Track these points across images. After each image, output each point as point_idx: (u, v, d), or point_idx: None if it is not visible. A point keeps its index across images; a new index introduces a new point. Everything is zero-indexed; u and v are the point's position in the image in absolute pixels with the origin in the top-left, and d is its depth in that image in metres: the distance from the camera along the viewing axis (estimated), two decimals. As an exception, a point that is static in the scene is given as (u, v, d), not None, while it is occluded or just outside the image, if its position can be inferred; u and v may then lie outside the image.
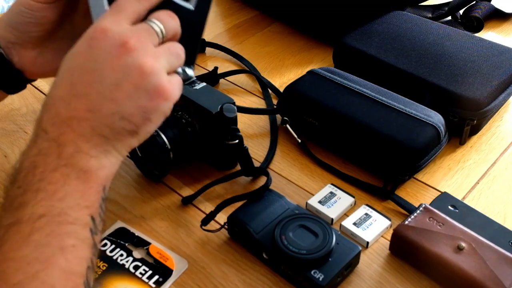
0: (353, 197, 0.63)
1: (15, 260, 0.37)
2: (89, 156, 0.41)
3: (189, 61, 0.48)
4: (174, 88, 0.44)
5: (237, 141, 0.64)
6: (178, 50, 0.45)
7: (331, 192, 0.64)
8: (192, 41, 0.48)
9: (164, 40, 0.44)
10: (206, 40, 0.92)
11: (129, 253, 0.58)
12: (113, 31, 0.42)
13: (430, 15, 0.96)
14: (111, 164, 0.43)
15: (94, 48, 0.41)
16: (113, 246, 0.58)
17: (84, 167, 0.41)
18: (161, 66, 0.43)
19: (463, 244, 0.53)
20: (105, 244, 0.58)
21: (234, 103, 0.64)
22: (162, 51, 0.43)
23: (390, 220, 0.60)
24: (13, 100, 0.81)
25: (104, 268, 0.56)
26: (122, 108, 0.41)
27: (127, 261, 0.57)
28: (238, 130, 0.64)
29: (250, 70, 0.86)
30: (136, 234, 0.60)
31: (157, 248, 0.58)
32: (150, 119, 0.43)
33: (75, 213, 0.40)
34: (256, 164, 0.68)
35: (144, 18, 0.44)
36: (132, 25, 0.43)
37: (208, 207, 0.63)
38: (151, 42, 0.43)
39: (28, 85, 0.85)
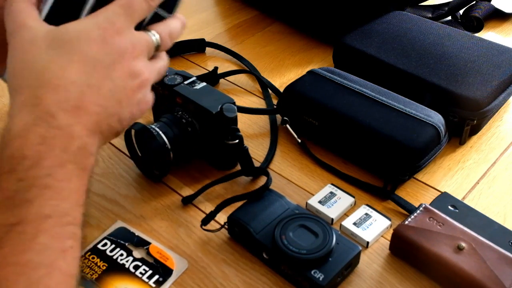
0: (353, 197, 0.63)
1: (19, 265, 0.35)
2: (90, 154, 0.40)
3: (167, 7, 0.48)
4: (151, 103, 0.46)
5: (237, 141, 0.64)
6: (162, 70, 0.47)
7: (331, 192, 0.64)
8: None
9: (156, 51, 0.46)
10: (206, 40, 0.92)
11: (129, 253, 0.58)
12: (126, 34, 0.42)
13: (430, 15, 0.96)
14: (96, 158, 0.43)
15: (109, 44, 0.41)
16: (113, 246, 0.58)
17: (84, 165, 0.40)
18: (151, 81, 0.45)
19: (463, 244, 0.53)
20: (105, 244, 0.58)
21: (234, 103, 0.64)
22: (154, 68, 0.45)
23: (390, 220, 0.60)
24: (13, 100, 0.81)
25: (104, 268, 0.56)
26: (122, 110, 0.42)
27: (127, 261, 0.57)
28: (238, 130, 0.64)
29: (250, 70, 0.86)
30: (136, 234, 0.60)
31: (157, 248, 0.58)
32: (129, 125, 0.45)
33: (74, 213, 0.39)
34: (256, 164, 0.68)
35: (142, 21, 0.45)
36: (135, 30, 0.43)
37: (208, 207, 0.63)
38: (148, 54, 0.44)
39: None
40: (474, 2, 0.99)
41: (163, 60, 0.47)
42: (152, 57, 0.46)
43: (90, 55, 0.40)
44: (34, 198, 0.36)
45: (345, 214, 0.62)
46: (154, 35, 0.45)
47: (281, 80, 0.85)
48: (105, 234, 0.60)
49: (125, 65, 0.41)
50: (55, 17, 0.42)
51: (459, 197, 0.64)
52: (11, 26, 0.42)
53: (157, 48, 0.45)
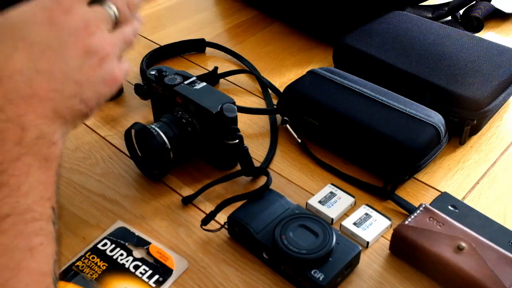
0: (353, 197, 0.63)
1: None
2: (51, 143, 0.38)
3: None
4: (122, 76, 0.43)
5: (237, 141, 0.64)
6: (131, 37, 0.45)
7: (331, 192, 0.64)
8: None
9: (116, 23, 0.44)
10: (206, 40, 0.92)
11: (129, 253, 0.58)
12: (77, 11, 0.40)
13: (430, 15, 0.96)
14: (63, 145, 0.40)
15: (57, 25, 0.39)
16: (113, 245, 0.58)
17: (46, 155, 0.38)
18: (115, 54, 0.42)
19: (463, 244, 0.53)
20: (105, 244, 0.58)
21: (234, 103, 0.64)
22: (117, 39, 0.43)
23: (390, 220, 0.60)
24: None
25: (104, 267, 0.56)
26: (83, 90, 0.40)
27: (127, 261, 0.57)
28: (238, 130, 0.64)
29: (250, 70, 0.86)
30: (136, 234, 0.60)
31: (157, 247, 0.58)
32: (100, 104, 0.42)
33: (40, 207, 0.37)
34: (256, 164, 0.68)
35: None
36: (88, 5, 0.41)
37: (208, 207, 0.63)
38: (106, 28, 0.42)
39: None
40: (474, 2, 0.99)
41: (128, 27, 0.44)
42: (115, 27, 0.44)
43: (36, 39, 0.38)
44: None
45: (345, 214, 0.62)
46: (110, 7, 0.43)
47: (281, 80, 0.85)
48: (105, 234, 0.60)
49: (79, 44, 0.39)
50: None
51: (459, 197, 0.64)
52: None
53: (116, 20, 0.43)
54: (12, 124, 0.36)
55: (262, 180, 0.67)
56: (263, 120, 0.77)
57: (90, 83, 0.40)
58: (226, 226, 0.59)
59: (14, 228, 0.35)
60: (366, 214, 0.61)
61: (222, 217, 0.61)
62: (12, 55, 0.37)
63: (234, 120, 0.64)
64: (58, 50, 0.38)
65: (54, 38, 0.38)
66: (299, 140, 0.72)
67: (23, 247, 0.35)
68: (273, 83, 0.83)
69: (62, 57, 0.38)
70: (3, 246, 0.34)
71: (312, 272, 0.52)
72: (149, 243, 0.59)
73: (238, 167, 0.68)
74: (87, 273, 0.55)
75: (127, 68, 0.44)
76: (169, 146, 0.63)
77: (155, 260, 0.57)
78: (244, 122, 0.76)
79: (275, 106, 0.78)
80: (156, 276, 0.55)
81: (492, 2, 1.00)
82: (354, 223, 0.60)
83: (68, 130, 0.40)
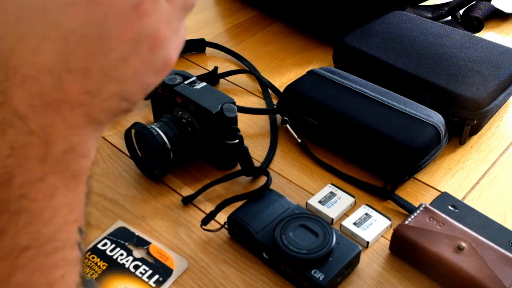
0: (353, 197, 0.63)
1: None
2: (82, 156, 0.32)
3: None
4: (177, 55, 0.34)
5: (237, 141, 0.64)
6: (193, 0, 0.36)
7: (331, 192, 0.64)
8: None
9: None
10: (206, 40, 0.92)
11: (129, 253, 0.58)
12: None
13: (430, 15, 0.96)
14: (96, 152, 0.33)
15: (100, 5, 0.29)
16: (113, 245, 0.58)
17: (75, 171, 0.31)
18: (172, 32, 0.33)
19: (463, 244, 0.53)
20: (105, 244, 0.58)
21: (234, 103, 0.64)
22: (175, 9, 0.33)
23: (390, 220, 0.60)
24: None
25: (104, 267, 0.56)
26: (125, 87, 0.32)
27: (127, 261, 0.57)
28: (238, 130, 0.64)
29: (250, 70, 0.86)
30: (136, 234, 0.60)
31: (157, 247, 0.58)
32: (146, 94, 0.34)
33: (64, 234, 0.31)
34: (256, 164, 0.68)
35: None
36: None
37: (208, 207, 0.63)
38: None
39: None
40: (474, 2, 0.99)
41: None
42: None
43: (71, 26, 0.29)
44: (6, 229, 0.29)
45: (345, 214, 0.62)
46: None
47: (281, 80, 0.85)
48: (105, 234, 0.60)
49: (126, 30, 0.30)
50: None
51: (459, 197, 0.64)
52: None
53: None
54: (36, 137, 0.29)
55: (262, 180, 0.67)
56: (263, 120, 0.77)
57: (136, 77, 0.32)
58: (226, 226, 0.59)
59: (33, 262, 0.30)
60: (366, 214, 0.61)
61: (222, 217, 0.61)
62: (40, 48, 0.29)
63: (234, 120, 0.64)
64: (98, 40, 0.30)
65: (94, 24, 0.30)
66: (299, 140, 0.72)
67: (42, 283, 0.30)
68: (273, 83, 0.83)
69: (103, 50, 0.30)
70: (20, 284, 0.29)
71: (312, 272, 0.52)
72: (149, 243, 0.59)
73: (238, 167, 0.68)
74: (87, 273, 0.55)
75: (184, 38, 0.35)
76: (169, 146, 0.63)
77: (155, 260, 0.57)
78: (244, 122, 0.76)
79: (275, 106, 0.78)
80: (156, 276, 0.55)
81: (492, 2, 1.00)
82: (354, 223, 0.60)
83: (102, 132, 0.33)
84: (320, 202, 0.62)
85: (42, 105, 0.29)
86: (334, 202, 0.62)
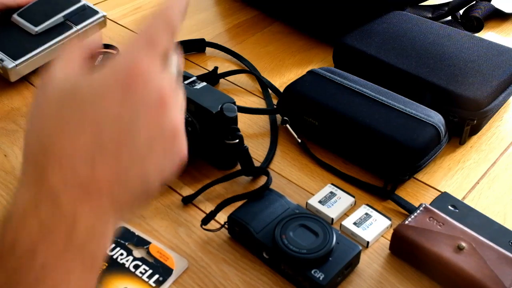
0: (353, 197, 0.63)
1: None
2: (102, 239, 0.33)
3: None
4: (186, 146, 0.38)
5: (237, 140, 0.64)
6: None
7: (331, 192, 0.64)
8: None
9: None
10: (206, 40, 0.92)
11: (129, 252, 0.58)
12: (153, 78, 0.34)
13: (430, 15, 0.96)
14: (114, 235, 0.35)
15: (132, 96, 0.33)
16: (113, 245, 0.58)
17: (93, 254, 0.33)
18: (183, 121, 0.37)
19: (463, 244, 0.53)
20: (105, 244, 0.58)
21: (234, 103, 0.64)
22: (181, 102, 0.37)
23: (390, 220, 0.60)
24: (13, 100, 0.81)
25: (104, 267, 0.56)
26: (148, 172, 0.34)
27: (127, 260, 0.57)
28: (238, 130, 0.64)
29: (250, 70, 0.86)
30: (136, 234, 0.60)
31: (157, 247, 0.58)
32: (162, 179, 0.36)
33: None
34: (256, 164, 0.68)
35: None
36: (161, 65, 0.36)
37: (208, 207, 0.63)
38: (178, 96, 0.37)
39: (28, 85, 0.85)
40: (474, 2, 0.99)
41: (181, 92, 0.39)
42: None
43: (106, 119, 0.33)
44: None
45: (345, 214, 0.62)
46: (175, 64, 0.38)
47: (281, 80, 0.85)
48: (105, 233, 0.60)
49: (152, 122, 0.34)
50: None
51: (459, 197, 0.64)
52: (44, 75, 0.36)
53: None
54: (64, 217, 0.31)
55: (262, 180, 0.67)
56: (263, 120, 0.77)
57: (158, 163, 0.35)
58: (226, 226, 0.59)
59: None
60: (366, 214, 0.61)
61: (222, 217, 0.61)
62: (77, 137, 0.32)
63: (234, 120, 0.64)
64: (128, 130, 0.33)
65: (126, 117, 0.33)
66: (299, 140, 0.72)
67: None
68: (273, 83, 0.83)
69: (131, 139, 0.33)
70: None
71: (312, 272, 0.52)
72: (149, 243, 0.59)
73: (238, 167, 0.68)
74: (87, 273, 0.55)
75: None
76: (169, 146, 0.63)
77: (155, 259, 0.57)
78: (244, 122, 0.76)
79: (275, 106, 0.78)
80: (156, 276, 0.55)
81: (492, 2, 1.00)
82: (354, 223, 0.60)
83: (122, 219, 0.35)
84: (320, 202, 0.62)
85: (75, 187, 0.31)
86: (334, 202, 0.62)
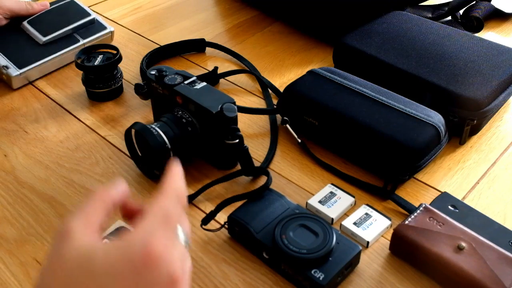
0: (353, 197, 0.63)
1: None
2: None
3: None
4: None
5: (237, 140, 0.64)
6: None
7: (331, 192, 0.64)
8: None
9: None
10: (206, 40, 0.92)
11: (129, 253, 0.58)
12: (166, 260, 0.35)
13: (430, 15, 0.96)
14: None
15: (143, 279, 0.34)
16: (113, 245, 0.58)
17: None
18: None
19: (463, 244, 0.53)
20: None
21: (234, 103, 0.64)
22: (189, 275, 0.39)
23: (390, 220, 0.60)
24: (13, 100, 0.82)
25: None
26: None
27: (127, 261, 0.57)
28: (238, 130, 0.64)
29: (250, 70, 0.86)
30: (136, 234, 0.60)
31: (157, 247, 0.58)
32: None
33: None
34: (256, 164, 0.68)
35: None
36: (175, 243, 0.38)
37: (208, 207, 0.63)
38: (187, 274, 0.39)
39: (29, 85, 0.85)
40: (474, 2, 0.99)
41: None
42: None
43: None
44: None
45: (345, 214, 0.62)
46: (186, 241, 0.39)
47: (281, 80, 0.85)
48: (105, 233, 0.60)
49: None
50: None
51: (459, 197, 0.64)
52: (63, 226, 0.37)
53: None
54: None
55: (262, 180, 0.67)
56: (263, 120, 0.77)
57: None
58: (226, 226, 0.59)
59: None
60: (366, 214, 0.61)
61: (222, 217, 0.61)
62: None
63: (234, 120, 0.64)
64: None
65: None
66: (299, 140, 0.72)
67: None
68: (273, 83, 0.83)
69: None
70: None
71: (312, 272, 0.52)
72: (149, 243, 0.59)
73: (238, 167, 0.68)
74: (87, 273, 0.55)
75: None
76: (169, 146, 0.63)
77: (155, 260, 0.57)
78: (244, 122, 0.76)
79: (275, 106, 0.78)
80: (156, 276, 0.55)
81: (492, 2, 1.00)
82: (354, 223, 0.60)
83: None
84: (320, 202, 0.62)
85: None
86: (334, 202, 0.62)
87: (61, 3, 0.92)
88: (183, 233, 0.39)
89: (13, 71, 0.81)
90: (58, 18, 0.89)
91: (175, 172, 0.42)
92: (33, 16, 0.88)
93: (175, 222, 0.38)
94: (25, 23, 0.87)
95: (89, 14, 0.90)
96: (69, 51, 0.87)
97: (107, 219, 0.39)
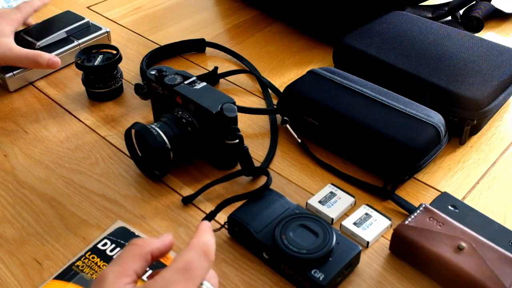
0: (353, 197, 0.63)
1: None
2: None
3: None
4: None
5: (237, 140, 0.64)
6: None
7: (331, 192, 0.64)
8: None
9: None
10: (206, 40, 0.92)
11: (129, 253, 0.58)
12: None
13: (430, 15, 0.96)
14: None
15: None
16: (113, 245, 0.58)
17: None
18: None
19: (463, 244, 0.53)
20: (105, 244, 0.58)
21: (234, 103, 0.64)
22: None
23: (390, 220, 0.60)
24: (13, 100, 0.82)
25: (104, 267, 0.56)
26: None
27: (127, 261, 0.57)
28: (238, 130, 0.64)
29: (250, 70, 0.86)
30: (136, 234, 0.60)
31: (157, 247, 0.58)
32: None
33: None
34: (256, 164, 0.68)
35: None
36: None
37: (208, 207, 0.63)
38: None
39: (29, 85, 0.85)
40: (474, 2, 0.99)
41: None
42: None
43: None
44: None
45: (345, 214, 0.62)
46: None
47: (281, 80, 0.85)
48: (105, 233, 0.60)
49: None
50: None
51: (459, 197, 0.64)
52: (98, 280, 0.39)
53: None
54: None
55: (262, 180, 0.67)
56: (263, 120, 0.77)
57: None
58: (226, 226, 0.59)
59: None
60: (366, 214, 0.61)
61: (222, 217, 0.61)
62: None
63: (234, 120, 0.64)
64: None
65: None
66: (299, 140, 0.72)
67: None
68: (273, 83, 0.83)
69: None
70: None
71: (312, 272, 0.52)
72: (149, 243, 0.59)
73: (238, 167, 0.68)
74: (87, 273, 0.55)
75: None
76: (169, 146, 0.63)
77: (155, 260, 0.57)
78: (244, 122, 0.76)
79: (275, 106, 0.78)
80: (156, 276, 0.55)
81: (492, 2, 1.00)
82: (354, 223, 0.60)
83: None
84: (320, 202, 0.62)
85: None
86: (334, 202, 0.62)
87: (57, 14, 0.94)
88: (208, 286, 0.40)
89: (8, 73, 0.82)
90: (53, 25, 0.90)
91: (204, 228, 0.43)
92: (30, 27, 0.90)
93: (199, 275, 0.39)
94: (22, 34, 0.88)
95: (83, 18, 0.91)
96: (65, 51, 0.87)
97: (145, 266, 0.41)
